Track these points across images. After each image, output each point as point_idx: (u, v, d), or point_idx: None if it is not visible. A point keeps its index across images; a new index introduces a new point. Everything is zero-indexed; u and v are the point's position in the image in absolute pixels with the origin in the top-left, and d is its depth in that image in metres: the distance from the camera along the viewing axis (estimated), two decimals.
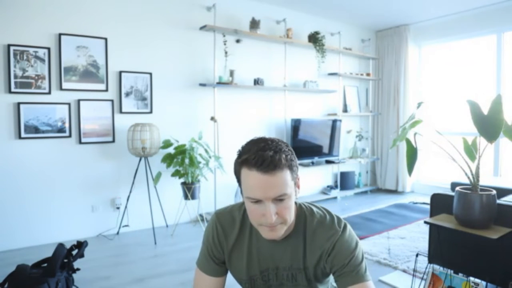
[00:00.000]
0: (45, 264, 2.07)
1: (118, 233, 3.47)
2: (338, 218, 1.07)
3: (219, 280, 1.12)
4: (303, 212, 1.07)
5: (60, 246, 2.09)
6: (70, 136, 3.24)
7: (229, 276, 1.15)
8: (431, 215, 2.15)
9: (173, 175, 3.43)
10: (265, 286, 1.10)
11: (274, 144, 0.94)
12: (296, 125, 4.48)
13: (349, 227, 1.06)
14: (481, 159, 1.79)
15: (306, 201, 1.15)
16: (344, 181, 5.18)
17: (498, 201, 1.80)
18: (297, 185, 1.00)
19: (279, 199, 0.93)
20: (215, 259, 1.10)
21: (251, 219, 0.99)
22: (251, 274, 1.10)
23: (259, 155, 0.90)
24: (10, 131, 3.00)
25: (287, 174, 0.93)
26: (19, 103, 2.99)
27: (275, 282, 1.09)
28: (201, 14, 3.87)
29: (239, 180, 0.98)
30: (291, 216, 0.98)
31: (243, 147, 0.98)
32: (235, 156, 0.99)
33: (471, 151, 1.86)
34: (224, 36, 3.93)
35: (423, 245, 3.05)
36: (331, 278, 1.14)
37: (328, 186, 5.03)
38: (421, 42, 5.33)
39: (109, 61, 3.39)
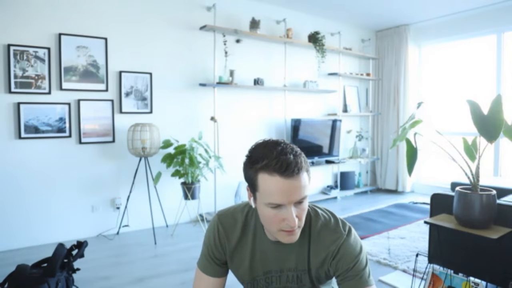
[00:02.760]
0: (45, 264, 2.07)
1: (118, 233, 3.47)
2: (343, 222, 1.06)
3: (220, 281, 1.12)
4: (308, 213, 1.06)
5: (60, 246, 2.09)
6: (70, 136, 3.24)
7: (229, 276, 1.15)
8: (431, 215, 2.15)
9: (173, 175, 3.43)
10: (268, 287, 1.10)
11: (290, 147, 0.93)
12: (296, 125, 4.48)
13: (353, 231, 1.05)
14: (481, 159, 1.79)
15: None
16: (344, 181, 5.18)
17: (498, 201, 1.80)
18: None
19: (299, 202, 0.92)
20: (216, 260, 1.10)
21: (269, 225, 0.96)
22: (254, 275, 1.09)
23: (282, 160, 0.88)
24: (10, 131, 3.00)
25: (306, 176, 0.93)
26: (19, 103, 2.99)
27: (279, 285, 1.09)
28: (201, 14, 3.87)
29: (254, 186, 0.95)
30: (305, 218, 0.98)
31: (254, 152, 0.95)
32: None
33: (471, 151, 1.86)
34: (224, 36, 3.93)
35: (423, 245, 3.05)
36: (333, 280, 1.13)
37: (328, 186, 5.03)
38: (421, 42, 5.33)
39: (109, 61, 3.39)
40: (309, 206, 1.10)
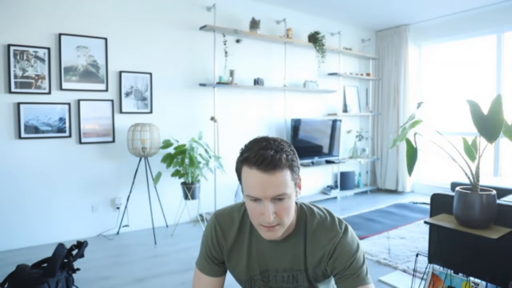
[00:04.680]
0: (45, 264, 2.07)
1: (118, 233, 3.47)
2: (339, 220, 1.06)
3: (218, 280, 1.12)
4: (303, 212, 1.07)
5: (60, 246, 2.09)
6: (70, 136, 3.24)
7: (229, 276, 1.15)
8: (431, 215, 2.15)
9: (173, 175, 3.43)
10: (265, 287, 1.10)
11: (276, 144, 0.94)
12: (296, 125, 4.48)
13: (350, 228, 1.05)
14: (481, 159, 1.79)
15: (306, 201, 1.15)
16: (344, 181, 5.18)
17: (498, 201, 1.80)
18: (298, 185, 0.99)
19: (278, 199, 0.92)
20: (214, 259, 1.10)
21: (251, 218, 0.99)
22: (251, 274, 1.09)
23: (260, 154, 0.90)
24: (10, 131, 3.00)
25: (287, 174, 0.92)
26: (19, 103, 2.99)
27: (276, 284, 1.09)
28: (201, 14, 3.87)
29: (240, 178, 0.98)
30: (289, 217, 0.97)
31: (245, 146, 0.98)
32: (235, 156, 0.99)
33: (471, 151, 1.86)
34: (224, 36, 3.93)
35: (423, 245, 3.05)
36: (332, 279, 1.13)
37: (328, 186, 5.03)
38: (421, 42, 5.33)
39: (109, 61, 3.39)
40: (305, 205, 1.10)
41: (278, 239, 1.02)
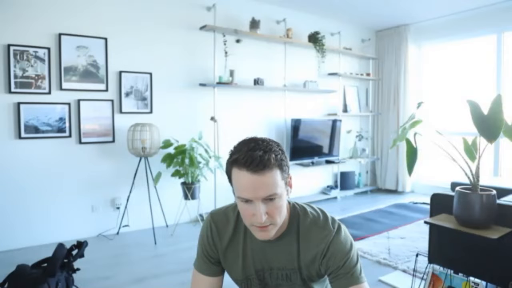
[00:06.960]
0: (45, 264, 2.07)
1: (118, 233, 3.47)
2: (332, 218, 1.07)
3: (216, 280, 1.12)
4: (296, 211, 1.07)
5: (60, 246, 2.09)
6: (70, 136, 3.24)
7: (227, 276, 1.15)
8: (431, 215, 2.14)
9: (173, 175, 3.43)
10: (262, 286, 1.10)
11: (264, 144, 0.94)
12: (296, 125, 4.48)
13: (343, 227, 1.05)
14: (481, 159, 1.79)
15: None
16: (344, 181, 5.18)
17: (498, 201, 1.80)
18: (288, 184, 0.99)
19: (269, 199, 0.92)
20: (210, 259, 1.11)
21: (243, 219, 0.99)
22: (247, 274, 1.10)
23: (248, 155, 0.90)
24: (10, 131, 3.00)
25: (277, 173, 0.92)
26: (19, 103, 2.99)
27: (271, 282, 1.09)
28: (201, 14, 3.87)
29: (230, 180, 0.98)
30: (281, 216, 0.97)
31: (234, 147, 0.98)
32: None
33: (471, 151, 1.85)
34: (224, 36, 3.93)
35: (423, 245, 3.05)
36: (327, 278, 1.14)
37: (328, 186, 5.03)
38: (421, 42, 5.32)
39: (109, 61, 3.39)
40: (298, 204, 1.11)
41: (271, 239, 1.02)
